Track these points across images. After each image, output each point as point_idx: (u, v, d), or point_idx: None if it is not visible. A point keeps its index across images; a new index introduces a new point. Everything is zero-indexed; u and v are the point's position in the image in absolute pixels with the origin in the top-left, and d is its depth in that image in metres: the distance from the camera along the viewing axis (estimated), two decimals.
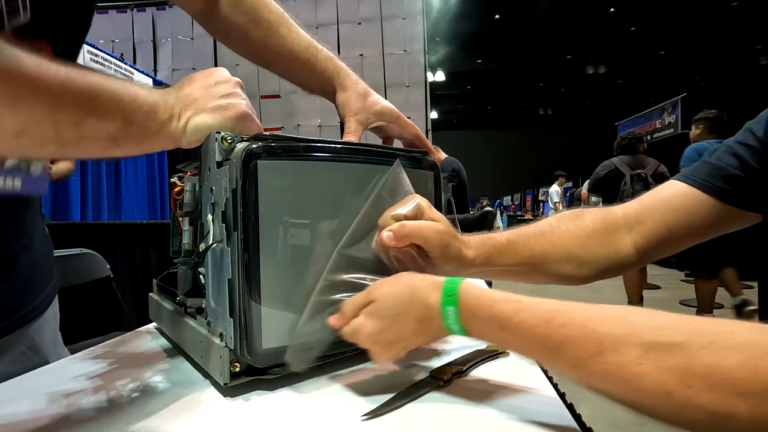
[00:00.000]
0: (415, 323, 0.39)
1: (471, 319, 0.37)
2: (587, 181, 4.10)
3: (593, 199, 3.87)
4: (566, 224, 0.55)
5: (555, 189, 7.25)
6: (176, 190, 0.55)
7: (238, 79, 0.46)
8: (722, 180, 0.52)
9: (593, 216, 0.56)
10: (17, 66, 0.30)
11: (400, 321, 0.40)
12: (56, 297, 0.61)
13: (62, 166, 2.09)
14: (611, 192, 3.31)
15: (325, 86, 0.64)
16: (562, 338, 0.32)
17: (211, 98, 0.43)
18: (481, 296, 0.37)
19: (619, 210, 0.56)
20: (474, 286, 0.38)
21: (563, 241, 0.54)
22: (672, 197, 0.54)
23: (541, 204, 10.05)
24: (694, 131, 3.23)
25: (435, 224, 0.45)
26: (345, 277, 0.44)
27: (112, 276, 1.70)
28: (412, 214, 0.45)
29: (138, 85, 0.39)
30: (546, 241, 0.54)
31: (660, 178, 3.19)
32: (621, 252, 0.54)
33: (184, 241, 0.52)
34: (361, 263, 0.45)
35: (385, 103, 0.63)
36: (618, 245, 0.55)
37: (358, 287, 0.43)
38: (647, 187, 3.07)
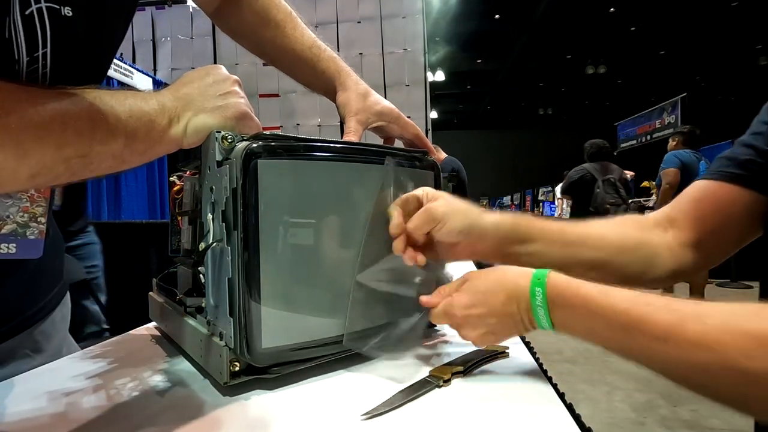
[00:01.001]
0: (505, 299, 0.42)
1: (557, 298, 0.39)
2: (560, 185, 4.22)
3: (566, 202, 4.06)
4: (589, 223, 0.55)
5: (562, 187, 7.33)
6: (175, 189, 0.55)
7: (236, 77, 0.46)
8: (735, 166, 0.52)
9: (619, 218, 0.56)
10: (26, 122, 0.32)
11: (491, 296, 0.42)
12: (65, 298, 0.61)
13: None
14: (582, 194, 3.72)
15: (326, 86, 0.65)
16: (645, 312, 0.34)
17: (210, 98, 0.43)
18: (569, 281, 0.39)
19: (647, 215, 0.57)
20: (562, 275, 0.40)
21: (595, 231, 0.53)
22: (695, 192, 0.55)
23: (541, 204, 10.05)
24: (671, 143, 3.80)
25: (438, 202, 0.48)
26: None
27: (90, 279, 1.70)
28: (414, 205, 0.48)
29: (132, 94, 0.39)
30: (573, 228, 0.53)
31: (624, 183, 3.73)
32: (659, 246, 0.53)
33: (183, 241, 0.52)
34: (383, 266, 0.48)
35: (386, 103, 0.63)
36: (654, 241, 0.54)
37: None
38: (617, 190, 3.61)
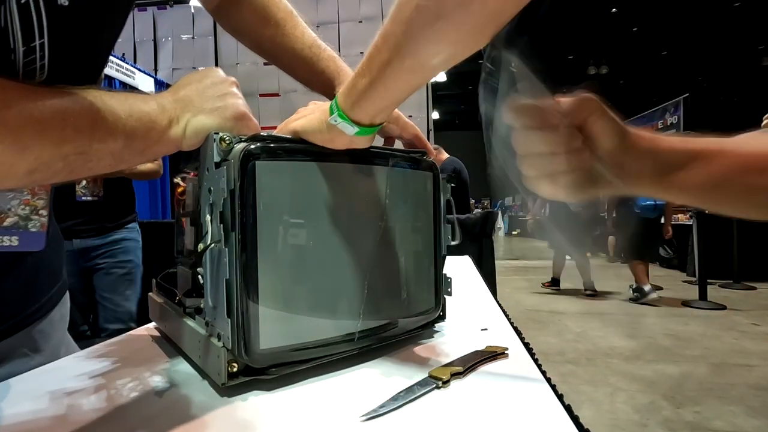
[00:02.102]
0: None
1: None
2: None
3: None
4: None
5: None
6: (179, 190, 0.55)
7: (233, 79, 0.46)
8: None
9: None
10: (25, 117, 0.32)
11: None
12: (64, 298, 0.61)
13: (145, 168, 1.91)
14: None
15: (325, 85, 0.65)
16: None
17: (208, 99, 0.43)
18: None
19: None
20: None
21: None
22: None
23: None
24: None
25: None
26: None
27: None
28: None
29: (133, 96, 0.39)
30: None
31: None
32: None
33: (186, 241, 0.52)
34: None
35: None
36: None
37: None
38: None
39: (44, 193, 0.45)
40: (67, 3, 0.37)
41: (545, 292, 4.89)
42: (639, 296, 4.19)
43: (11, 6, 0.35)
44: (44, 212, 0.45)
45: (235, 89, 0.45)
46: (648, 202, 4.45)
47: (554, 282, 4.94)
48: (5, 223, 0.42)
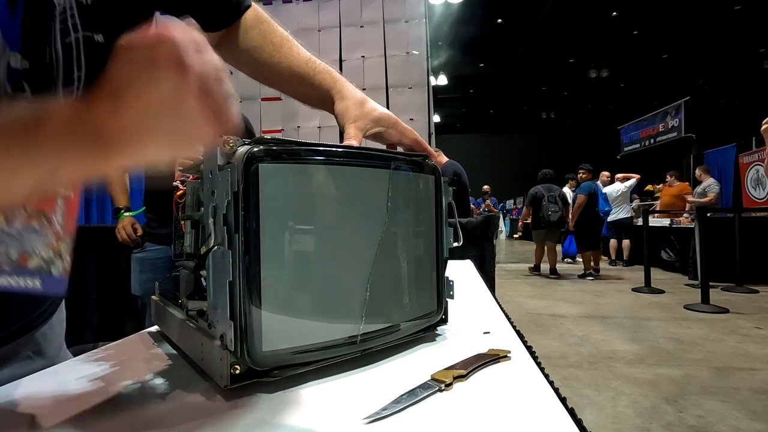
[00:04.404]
0: None
1: None
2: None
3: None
4: None
5: (567, 191, 7.45)
6: (179, 193, 0.55)
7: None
8: None
9: None
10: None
11: None
12: (62, 304, 0.61)
13: None
14: (536, 206, 5.98)
15: (323, 97, 0.65)
16: None
17: None
18: None
19: None
20: None
21: None
22: None
23: None
24: (581, 175, 6.23)
25: None
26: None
27: None
28: None
29: None
30: None
31: (563, 198, 5.98)
32: None
33: (186, 244, 0.52)
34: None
35: (383, 110, 0.63)
36: None
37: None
38: (556, 203, 5.86)
39: (68, 238, 0.45)
40: (102, 40, 0.41)
41: (546, 294, 4.90)
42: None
43: (57, 45, 0.38)
44: (67, 257, 0.45)
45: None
46: (606, 208, 6.23)
47: (536, 268, 6.48)
48: (29, 265, 0.42)
